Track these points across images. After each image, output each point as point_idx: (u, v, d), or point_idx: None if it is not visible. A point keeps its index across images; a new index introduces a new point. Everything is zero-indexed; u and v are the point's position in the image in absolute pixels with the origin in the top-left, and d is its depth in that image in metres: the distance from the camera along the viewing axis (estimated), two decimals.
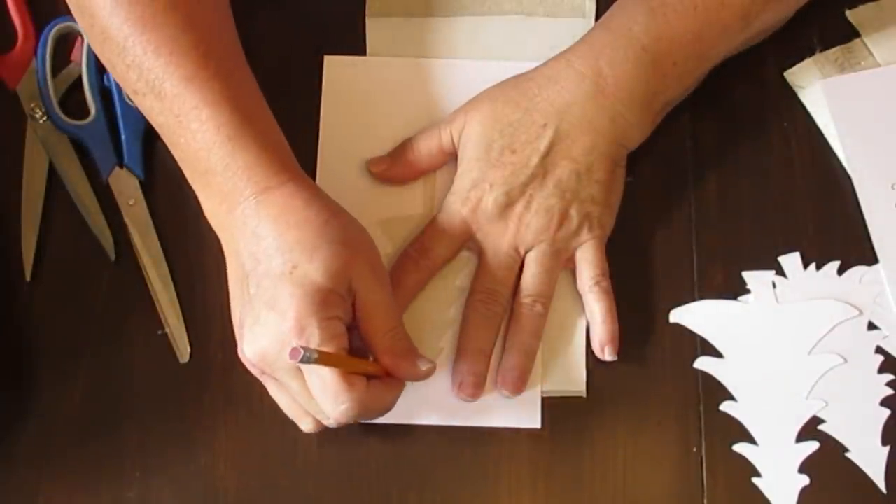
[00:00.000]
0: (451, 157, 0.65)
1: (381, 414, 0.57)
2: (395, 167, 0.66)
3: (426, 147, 0.65)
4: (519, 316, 0.62)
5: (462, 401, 0.61)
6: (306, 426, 0.59)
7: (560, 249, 0.62)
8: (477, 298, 0.62)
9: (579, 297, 0.63)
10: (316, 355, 0.51)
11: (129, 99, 0.66)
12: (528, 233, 0.62)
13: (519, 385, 0.61)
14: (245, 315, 0.56)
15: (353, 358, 0.55)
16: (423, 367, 0.58)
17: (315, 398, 0.55)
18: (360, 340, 0.57)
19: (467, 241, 0.63)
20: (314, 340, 0.53)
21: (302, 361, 0.50)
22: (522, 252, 0.62)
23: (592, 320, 0.63)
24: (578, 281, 0.63)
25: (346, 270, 0.55)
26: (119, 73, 0.59)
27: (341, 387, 0.53)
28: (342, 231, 0.57)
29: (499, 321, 0.62)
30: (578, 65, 0.63)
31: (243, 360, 0.58)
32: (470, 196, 0.62)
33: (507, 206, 0.62)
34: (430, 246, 0.63)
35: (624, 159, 0.65)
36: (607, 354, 0.62)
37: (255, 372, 0.59)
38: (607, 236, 0.64)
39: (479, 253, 0.63)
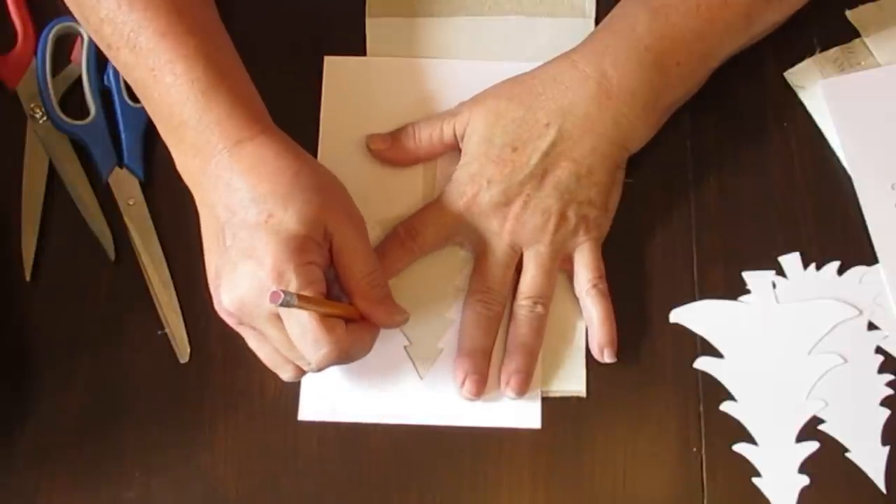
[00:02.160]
0: (450, 150, 0.65)
1: (360, 357, 0.58)
2: (393, 150, 0.66)
3: (427, 136, 0.65)
4: (520, 318, 0.62)
5: (464, 399, 0.61)
6: (286, 375, 0.59)
7: (558, 250, 0.62)
8: (475, 298, 0.62)
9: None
10: (296, 299, 0.51)
11: (129, 99, 0.67)
12: (524, 232, 0.62)
13: (524, 387, 0.61)
14: (222, 265, 0.57)
15: (332, 301, 0.56)
16: (399, 315, 0.59)
17: (295, 343, 0.55)
18: (338, 289, 0.58)
19: (457, 233, 0.63)
20: (292, 286, 0.54)
21: (282, 305, 0.51)
22: (519, 251, 0.63)
23: (590, 323, 0.63)
24: (575, 284, 0.63)
25: (321, 217, 0.56)
26: (93, 26, 0.60)
27: (321, 331, 0.54)
28: (315, 179, 0.57)
29: (498, 320, 0.62)
30: (583, 65, 0.63)
31: (220, 312, 0.59)
32: (466, 189, 0.63)
33: (503, 203, 0.62)
34: (420, 230, 0.63)
35: (624, 162, 0.65)
36: (606, 357, 0.62)
37: (232, 322, 0.59)
38: (603, 238, 0.64)
39: (476, 251, 0.63)
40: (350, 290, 0.58)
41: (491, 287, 0.62)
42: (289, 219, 0.55)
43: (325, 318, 0.54)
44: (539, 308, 0.62)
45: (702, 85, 0.66)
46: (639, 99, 0.62)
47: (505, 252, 0.62)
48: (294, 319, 0.54)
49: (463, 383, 0.61)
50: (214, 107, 0.57)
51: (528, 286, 0.62)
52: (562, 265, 0.63)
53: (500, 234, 0.62)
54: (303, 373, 0.58)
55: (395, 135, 0.66)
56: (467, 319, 0.62)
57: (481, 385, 0.61)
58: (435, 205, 0.64)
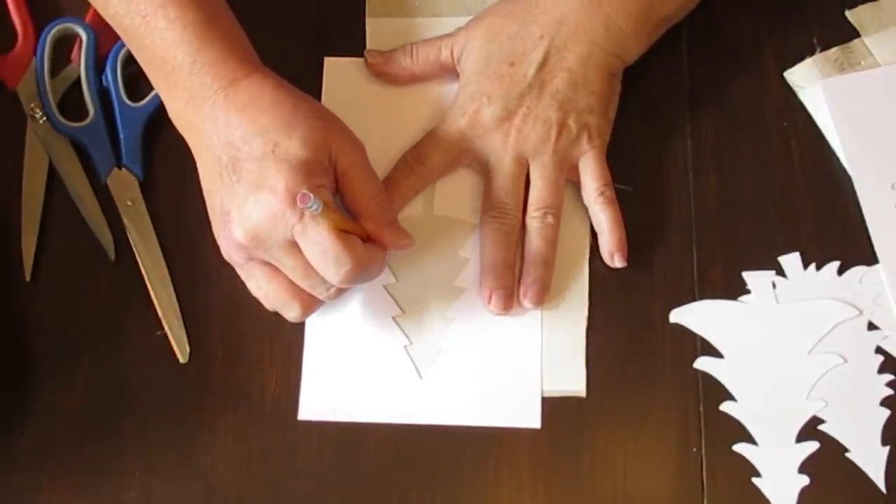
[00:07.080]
0: (445, 72, 0.66)
1: (375, 276, 0.59)
2: (389, 66, 0.67)
3: (424, 55, 0.66)
4: (533, 229, 0.63)
5: (492, 314, 0.62)
6: (294, 312, 0.59)
7: (562, 159, 0.63)
8: (490, 215, 0.63)
9: (577, 295, 0.64)
10: (321, 205, 0.52)
11: (128, 99, 0.67)
12: (527, 144, 0.63)
13: (542, 296, 0.62)
14: (230, 202, 0.57)
15: (346, 217, 0.57)
16: (405, 239, 0.60)
17: (315, 266, 0.56)
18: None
19: (464, 153, 0.64)
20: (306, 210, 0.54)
21: (310, 208, 0.52)
22: (525, 164, 0.63)
23: (599, 230, 0.64)
24: (583, 193, 0.64)
25: (325, 141, 0.57)
26: None
27: (341, 248, 0.55)
28: (313, 109, 0.59)
29: (515, 233, 0.63)
30: None
31: (228, 251, 0.59)
32: (468, 108, 0.63)
33: (504, 118, 0.63)
34: (427, 153, 0.64)
35: (620, 71, 0.65)
36: (617, 262, 0.63)
37: (239, 259, 0.59)
38: (606, 146, 0.64)
39: (484, 170, 0.64)
40: (358, 212, 0.59)
41: (504, 201, 0.63)
42: (294, 145, 0.56)
43: (343, 236, 0.55)
44: (550, 218, 0.63)
45: (696, 3, 0.66)
46: (629, 7, 0.63)
47: (512, 166, 0.63)
48: (313, 240, 0.55)
49: (490, 300, 0.62)
50: (208, 49, 0.58)
51: (537, 198, 0.63)
52: (569, 175, 0.64)
53: (505, 148, 0.63)
54: (311, 309, 0.59)
55: (392, 51, 0.67)
56: (485, 236, 0.63)
57: (508, 300, 0.62)
58: (439, 129, 0.65)
